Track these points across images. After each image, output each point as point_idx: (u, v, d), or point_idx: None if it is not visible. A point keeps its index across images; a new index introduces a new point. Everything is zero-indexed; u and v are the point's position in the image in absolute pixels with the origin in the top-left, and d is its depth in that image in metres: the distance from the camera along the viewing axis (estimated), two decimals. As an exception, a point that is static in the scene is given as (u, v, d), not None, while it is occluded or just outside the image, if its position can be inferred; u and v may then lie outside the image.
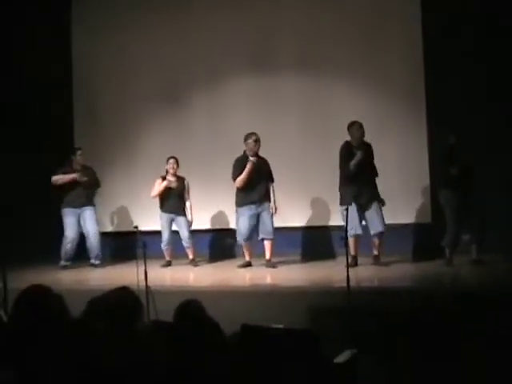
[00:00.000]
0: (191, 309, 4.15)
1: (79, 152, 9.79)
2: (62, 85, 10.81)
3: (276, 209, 9.15)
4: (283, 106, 10.05)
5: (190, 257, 9.59)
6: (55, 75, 10.66)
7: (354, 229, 8.46)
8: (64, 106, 10.82)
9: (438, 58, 9.33)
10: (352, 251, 8.54)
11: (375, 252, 8.73)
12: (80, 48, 10.96)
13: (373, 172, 8.77)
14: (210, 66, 10.32)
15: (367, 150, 8.74)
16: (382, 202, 8.72)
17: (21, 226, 10.00)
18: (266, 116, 10.01)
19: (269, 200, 9.10)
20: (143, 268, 6.54)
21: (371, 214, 8.66)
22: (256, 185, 9.05)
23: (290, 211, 9.74)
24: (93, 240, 9.76)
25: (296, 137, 9.99)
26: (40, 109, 10.48)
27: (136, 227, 7.16)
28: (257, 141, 9.04)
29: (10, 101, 10.18)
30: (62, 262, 9.68)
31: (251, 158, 8.98)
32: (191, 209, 9.61)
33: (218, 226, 10.44)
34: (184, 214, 9.55)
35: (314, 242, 9.97)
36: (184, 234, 9.53)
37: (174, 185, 9.46)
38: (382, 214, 8.68)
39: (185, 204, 9.60)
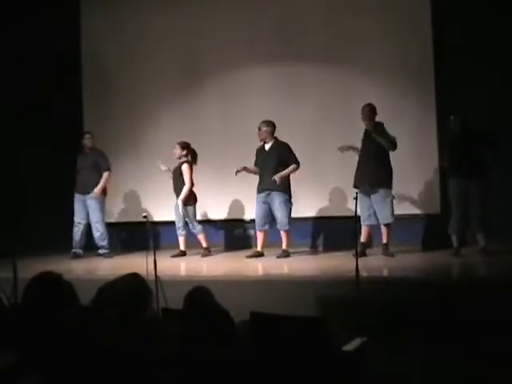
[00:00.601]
0: (200, 295, 4.18)
1: (87, 136, 9.87)
2: (70, 72, 10.79)
3: (278, 178, 8.91)
4: (296, 93, 10.01)
5: (204, 245, 9.53)
6: (63, 61, 10.65)
7: (363, 218, 8.55)
8: (73, 93, 10.81)
9: (448, 43, 9.26)
10: (362, 239, 8.60)
11: (384, 240, 8.73)
12: (90, 32, 10.92)
13: (378, 156, 8.65)
14: (223, 53, 10.27)
15: (374, 131, 8.71)
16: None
17: (31, 216, 10.09)
18: (278, 104, 9.96)
19: (279, 189, 8.97)
20: (153, 258, 6.58)
21: (377, 203, 8.64)
22: (263, 174, 9.07)
23: (303, 201, 9.72)
24: (94, 231, 9.79)
25: (309, 125, 9.94)
26: (48, 96, 10.46)
27: (145, 217, 7.13)
28: (259, 129, 9.07)
29: (18, 89, 10.21)
30: (73, 250, 9.74)
31: None
32: (185, 190, 9.38)
33: (230, 216, 10.42)
34: (188, 204, 9.42)
35: (327, 233, 9.96)
36: (189, 224, 9.49)
37: (163, 168, 9.54)
38: (388, 204, 8.63)
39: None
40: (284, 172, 8.99)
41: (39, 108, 10.39)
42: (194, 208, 9.49)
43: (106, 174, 9.80)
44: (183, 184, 9.40)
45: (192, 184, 9.43)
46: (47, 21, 10.45)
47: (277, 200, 9.00)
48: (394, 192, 8.75)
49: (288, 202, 9.04)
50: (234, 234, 10.41)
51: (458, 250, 8.41)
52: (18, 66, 10.33)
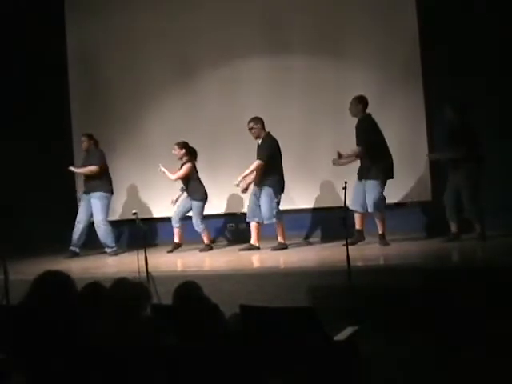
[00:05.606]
0: (188, 290, 4.18)
1: (82, 138, 9.81)
2: (57, 71, 10.76)
3: (240, 182, 9.02)
4: (286, 85, 9.94)
5: (205, 241, 9.50)
6: (50, 61, 10.62)
7: (352, 204, 8.51)
8: (61, 88, 10.79)
9: (434, 29, 9.21)
10: (357, 226, 8.57)
11: (379, 231, 8.66)
12: (76, 31, 10.86)
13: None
14: (218, 44, 10.20)
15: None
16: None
17: (24, 216, 10.09)
18: (269, 96, 9.91)
19: (267, 183, 8.97)
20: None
21: (365, 192, 8.61)
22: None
23: (295, 193, 9.72)
24: (97, 229, 9.73)
25: (301, 117, 9.90)
26: (38, 92, 10.46)
27: (135, 213, 7.15)
28: (250, 129, 9.01)
29: (4, 90, 10.20)
30: (71, 248, 9.71)
31: None
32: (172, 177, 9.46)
33: (227, 211, 10.38)
34: (196, 199, 9.44)
35: (319, 223, 9.94)
36: (193, 220, 9.47)
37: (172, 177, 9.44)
38: (373, 193, 8.51)
39: (194, 187, 9.47)
40: (246, 171, 8.99)
41: (26, 108, 10.37)
42: (203, 205, 9.48)
43: (91, 168, 9.68)
44: (193, 183, 9.44)
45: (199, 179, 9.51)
46: (33, 20, 10.42)
47: (263, 194, 8.99)
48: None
49: (273, 197, 8.98)
50: (230, 228, 10.39)
51: (453, 236, 8.36)
52: (4, 67, 10.29)
